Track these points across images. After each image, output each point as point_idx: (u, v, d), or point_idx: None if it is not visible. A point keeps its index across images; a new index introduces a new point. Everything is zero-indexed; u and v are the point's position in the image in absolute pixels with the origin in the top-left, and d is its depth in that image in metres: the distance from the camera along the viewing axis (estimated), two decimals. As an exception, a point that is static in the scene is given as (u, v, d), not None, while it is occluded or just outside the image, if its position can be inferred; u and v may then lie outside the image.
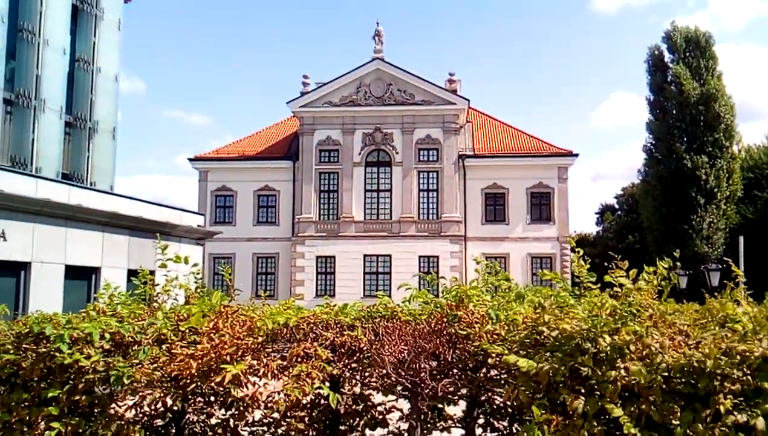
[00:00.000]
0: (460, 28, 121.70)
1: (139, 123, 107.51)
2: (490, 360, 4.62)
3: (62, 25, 23.39)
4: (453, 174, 39.51)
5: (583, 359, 3.89)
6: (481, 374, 4.93)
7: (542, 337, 4.26)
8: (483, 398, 5.13)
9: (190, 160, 42.45)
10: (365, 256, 39.02)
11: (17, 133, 21.41)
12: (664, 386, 3.75)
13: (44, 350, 4.40)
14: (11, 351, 4.51)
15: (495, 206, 40.04)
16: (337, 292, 36.69)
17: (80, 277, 18.20)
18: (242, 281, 35.29)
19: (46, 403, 4.36)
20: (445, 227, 39.12)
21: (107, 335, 4.61)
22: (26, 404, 4.42)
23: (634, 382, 3.76)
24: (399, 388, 5.09)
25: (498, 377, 4.85)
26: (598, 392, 3.89)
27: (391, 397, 5.23)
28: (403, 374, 4.81)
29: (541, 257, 39.08)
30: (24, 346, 4.52)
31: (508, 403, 4.73)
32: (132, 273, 20.01)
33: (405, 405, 5.22)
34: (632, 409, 3.76)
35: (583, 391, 3.93)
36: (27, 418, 4.40)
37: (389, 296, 5.63)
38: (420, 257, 38.59)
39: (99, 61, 25.07)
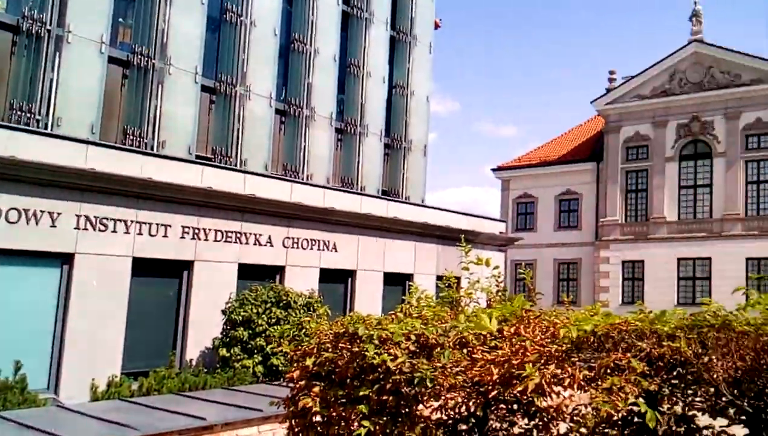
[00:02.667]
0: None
1: (453, 141, 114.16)
2: None
3: (382, 56, 25.88)
4: (794, 162, 33.67)
5: None
6: None
7: None
8: None
9: (493, 170, 43.37)
10: (680, 259, 35.35)
11: (346, 157, 24.27)
12: None
13: (357, 349, 4.65)
14: (330, 349, 4.90)
15: None
16: (646, 299, 33.42)
17: (396, 283, 19.88)
18: (544, 287, 34.61)
19: (359, 401, 4.56)
20: (782, 224, 33.55)
21: (412, 337, 4.70)
22: (342, 400, 4.69)
23: None
24: (732, 411, 4.32)
25: None
26: None
27: (721, 421, 4.46)
28: (739, 394, 4.05)
29: None
30: (341, 345, 4.87)
31: None
32: (440, 279, 21.11)
33: (739, 432, 4.41)
34: None
35: None
36: (342, 414, 4.64)
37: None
38: (748, 259, 33.55)
39: (412, 85, 27.09)
